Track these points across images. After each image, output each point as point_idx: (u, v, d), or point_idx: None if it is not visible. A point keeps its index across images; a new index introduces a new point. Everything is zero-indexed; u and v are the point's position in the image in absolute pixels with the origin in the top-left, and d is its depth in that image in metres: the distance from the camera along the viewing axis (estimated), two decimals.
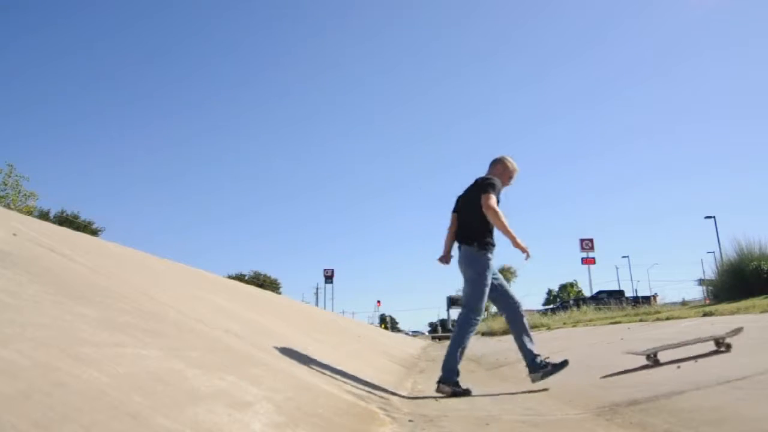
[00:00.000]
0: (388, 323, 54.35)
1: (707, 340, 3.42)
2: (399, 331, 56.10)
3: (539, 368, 3.28)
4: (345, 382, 2.87)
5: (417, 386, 3.94)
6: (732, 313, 5.52)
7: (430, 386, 3.91)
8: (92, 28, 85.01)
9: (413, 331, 60.47)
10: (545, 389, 3.18)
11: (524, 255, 3.53)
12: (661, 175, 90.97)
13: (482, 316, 3.50)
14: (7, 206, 13.12)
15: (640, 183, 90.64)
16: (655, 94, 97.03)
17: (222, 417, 1.32)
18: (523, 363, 3.42)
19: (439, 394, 3.16)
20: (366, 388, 2.97)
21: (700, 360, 2.98)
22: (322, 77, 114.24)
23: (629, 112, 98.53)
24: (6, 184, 15.12)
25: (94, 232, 26.28)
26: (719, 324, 4.54)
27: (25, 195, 15.57)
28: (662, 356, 3.31)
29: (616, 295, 25.83)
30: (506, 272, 45.17)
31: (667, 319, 6.52)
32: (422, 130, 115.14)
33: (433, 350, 13.48)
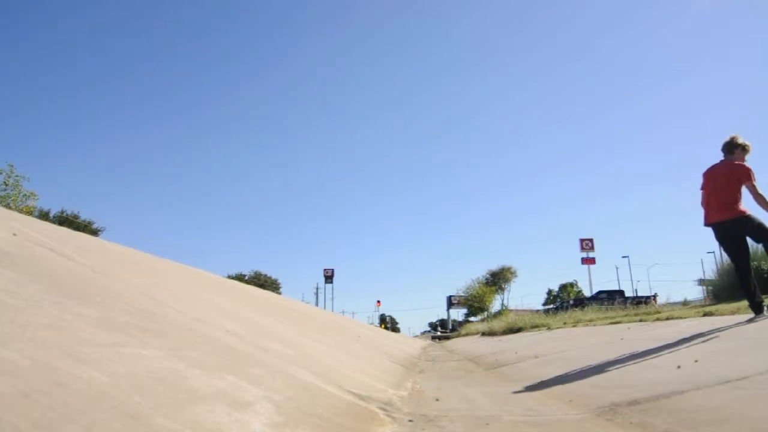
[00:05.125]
0: (388, 323, 54.38)
1: None
2: (398, 331, 56.13)
3: None
4: (345, 382, 2.87)
5: (417, 386, 3.93)
6: (732, 313, 5.51)
7: (430, 386, 3.91)
8: (92, 28, 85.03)
9: (424, 331, 60.45)
10: (545, 389, 3.18)
11: None
12: (661, 175, 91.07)
13: None
14: (8, 206, 13.13)
15: (640, 183, 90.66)
16: (655, 94, 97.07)
17: (222, 417, 1.32)
18: (524, 363, 3.43)
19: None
20: (366, 388, 2.96)
21: (700, 360, 2.97)
22: (322, 78, 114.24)
23: (629, 112, 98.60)
24: (7, 184, 15.12)
25: (94, 232, 26.28)
26: (719, 324, 4.53)
27: (25, 195, 15.56)
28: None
29: (616, 295, 25.86)
30: (506, 272, 45.21)
31: (668, 319, 6.51)
32: (422, 131, 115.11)
33: (433, 350, 13.48)
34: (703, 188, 4.77)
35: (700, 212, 4.86)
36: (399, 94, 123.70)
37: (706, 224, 4.75)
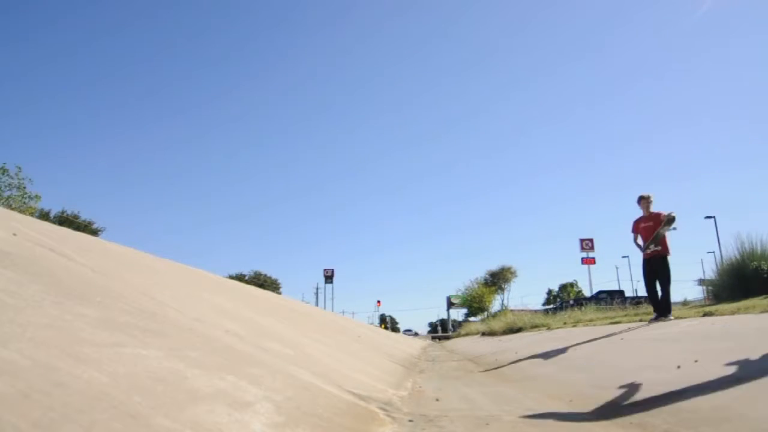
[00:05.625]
0: (388, 323, 54.39)
1: None
2: (398, 331, 56.22)
3: None
4: (345, 382, 2.87)
5: (417, 386, 3.93)
6: (732, 313, 5.51)
7: (430, 386, 3.91)
8: (92, 28, 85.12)
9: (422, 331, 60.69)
10: (545, 389, 3.18)
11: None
12: (662, 175, 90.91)
13: None
14: (10, 207, 13.14)
15: (640, 183, 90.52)
16: (655, 94, 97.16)
17: (222, 417, 1.32)
18: (523, 363, 3.43)
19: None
20: (366, 388, 2.97)
21: (700, 360, 2.98)
22: (322, 77, 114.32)
23: (630, 112, 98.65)
24: (11, 186, 15.16)
25: (94, 232, 26.30)
26: (719, 324, 4.53)
27: (29, 197, 15.58)
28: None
29: (616, 295, 25.87)
30: (506, 272, 45.21)
31: None
32: (422, 131, 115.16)
33: (433, 350, 13.49)
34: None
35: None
36: (399, 94, 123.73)
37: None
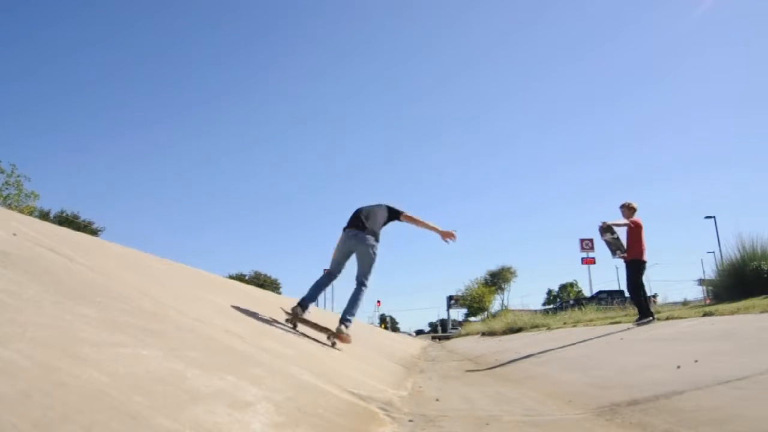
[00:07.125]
0: (388, 323, 54.35)
1: None
2: (398, 330, 56.27)
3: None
4: (345, 382, 2.87)
5: (417, 386, 3.93)
6: (732, 313, 5.51)
7: (430, 386, 3.91)
8: (92, 28, 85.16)
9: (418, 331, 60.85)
10: (545, 389, 3.18)
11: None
12: (661, 175, 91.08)
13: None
14: (8, 206, 13.14)
15: (641, 183, 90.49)
16: (655, 95, 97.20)
17: (222, 417, 1.32)
18: (524, 363, 3.43)
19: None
20: (366, 388, 2.96)
21: (700, 360, 2.98)
22: (321, 78, 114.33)
23: (630, 113, 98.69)
24: (9, 184, 15.15)
25: (94, 232, 26.29)
26: (719, 324, 4.53)
27: (26, 195, 15.58)
28: None
29: (616, 295, 25.84)
30: (506, 272, 45.17)
31: (667, 319, 6.50)
32: (423, 131, 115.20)
33: (433, 350, 13.49)
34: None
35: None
36: (399, 94, 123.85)
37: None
